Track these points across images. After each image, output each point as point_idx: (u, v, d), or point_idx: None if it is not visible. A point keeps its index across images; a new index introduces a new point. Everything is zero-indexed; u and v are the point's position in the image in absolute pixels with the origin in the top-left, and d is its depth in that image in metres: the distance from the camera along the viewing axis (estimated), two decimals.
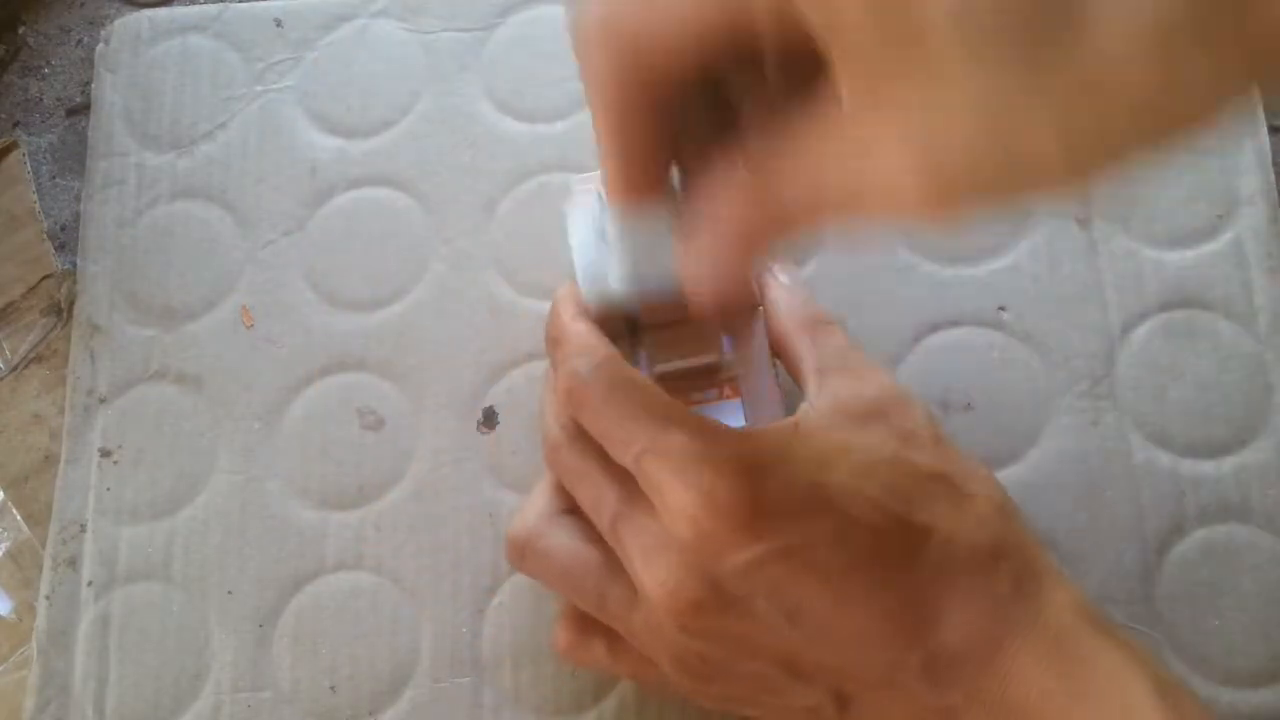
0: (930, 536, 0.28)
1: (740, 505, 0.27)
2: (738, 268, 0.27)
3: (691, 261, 0.27)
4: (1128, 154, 0.20)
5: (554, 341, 0.33)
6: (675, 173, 0.29)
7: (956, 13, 0.18)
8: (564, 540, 0.32)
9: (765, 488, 0.28)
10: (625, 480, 0.30)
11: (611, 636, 0.33)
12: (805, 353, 0.33)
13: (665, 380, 0.34)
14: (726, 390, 0.34)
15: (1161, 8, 0.18)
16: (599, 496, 0.31)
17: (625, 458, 0.29)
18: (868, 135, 0.21)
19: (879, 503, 0.28)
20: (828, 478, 0.28)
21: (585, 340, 0.32)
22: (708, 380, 0.34)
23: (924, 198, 0.21)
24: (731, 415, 0.34)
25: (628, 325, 0.35)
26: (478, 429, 0.39)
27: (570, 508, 0.33)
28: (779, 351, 0.34)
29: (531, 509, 0.33)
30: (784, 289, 0.34)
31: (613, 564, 0.31)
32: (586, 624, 0.33)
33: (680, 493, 0.28)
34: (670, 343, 0.34)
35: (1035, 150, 0.19)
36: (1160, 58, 0.18)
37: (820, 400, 0.31)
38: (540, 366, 0.40)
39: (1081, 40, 0.18)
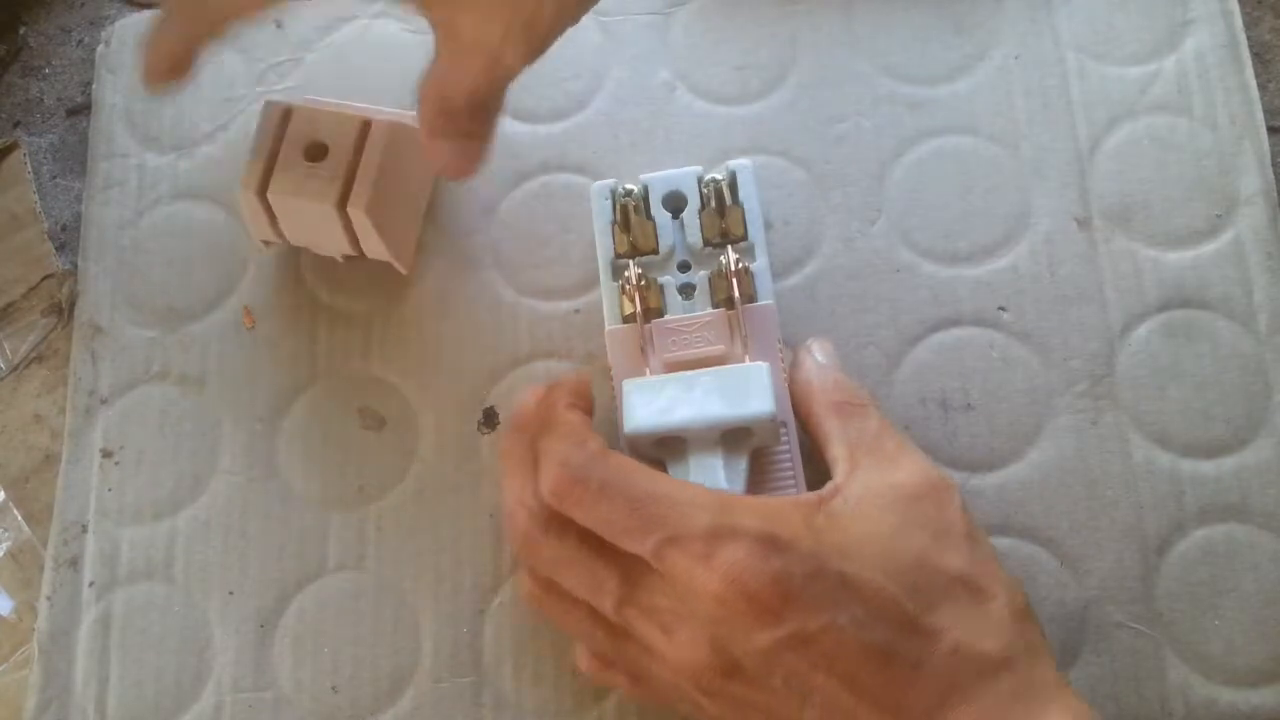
0: (941, 639, 0.28)
1: (768, 589, 0.28)
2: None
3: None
4: None
5: (543, 425, 0.32)
6: None
7: None
8: (574, 546, 0.31)
9: (792, 573, 0.28)
10: (621, 560, 0.30)
11: (632, 672, 0.33)
12: (835, 435, 0.32)
13: (675, 368, 0.34)
14: None
15: None
16: (596, 582, 0.31)
17: (640, 548, 0.29)
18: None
19: (898, 601, 0.28)
20: (853, 569, 0.28)
21: (576, 430, 0.31)
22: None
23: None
24: None
25: (642, 314, 0.35)
26: (478, 429, 0.39)
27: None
28: (810, 431, 0.34)
29: (529, 492, 0.32)
30: (816, 368, 0.34)
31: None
32: (608, 659, 0.33)
33: (708, 577, 0.28)
34: (681, 333, 0.35)
35: None
36: None
37: (850, 486, 0.31)
38: (541, 367, 0.40)
39: None
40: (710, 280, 0.36)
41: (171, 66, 0.33)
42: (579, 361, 0.40)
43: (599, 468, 0.30)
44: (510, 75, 0.32)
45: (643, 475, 0.30)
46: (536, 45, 0.31)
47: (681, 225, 0.37)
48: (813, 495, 0.31)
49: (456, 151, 0.34)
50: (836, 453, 0.32)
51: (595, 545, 0.31)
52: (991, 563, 0.31)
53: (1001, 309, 0.39)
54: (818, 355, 0.35)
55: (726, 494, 0.30)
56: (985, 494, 0.38)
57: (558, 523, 0.31)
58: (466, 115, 0.33)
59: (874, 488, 0.31)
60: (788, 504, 0.30)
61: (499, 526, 0.38)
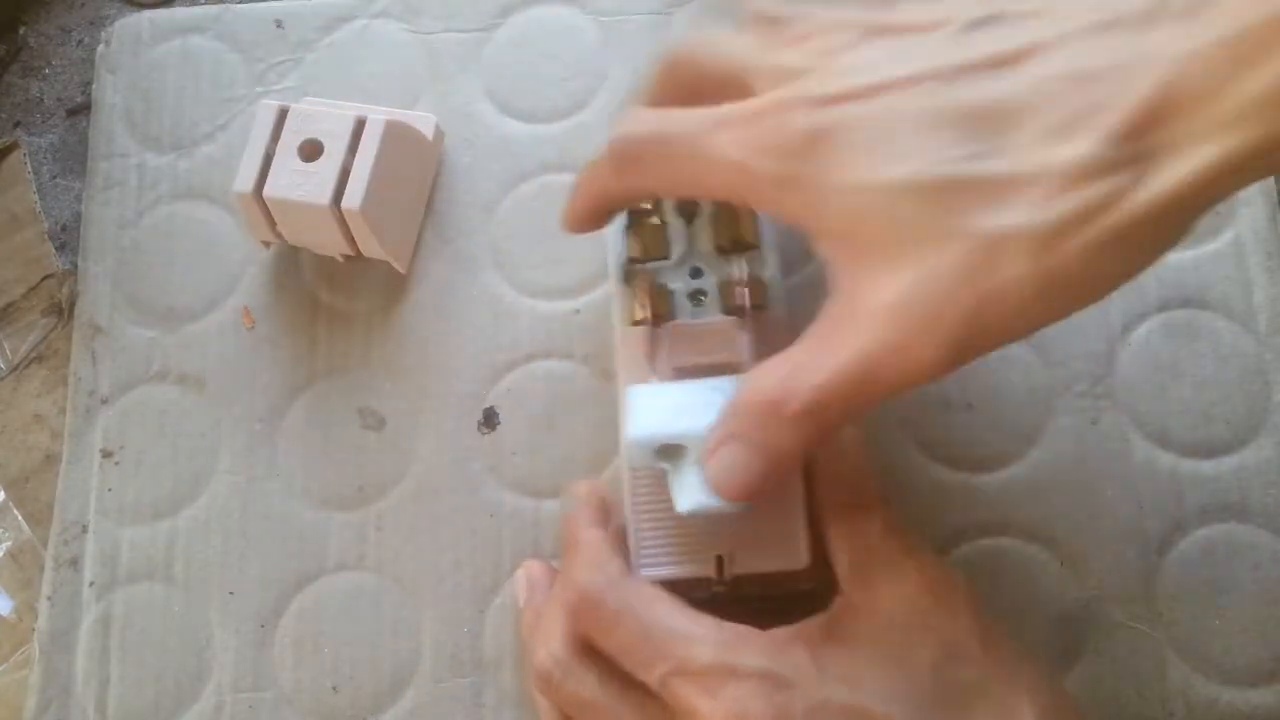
0: None
1: None
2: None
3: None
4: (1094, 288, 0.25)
5: (568, 547, 0.33)
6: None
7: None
8: (592, 688, 0.31)
9: (793, 710, 0.27)
10: (636, 704, 0.30)
11: None
12: (840, 540, 0.32)
13: (683, 375, 0.34)
14: None
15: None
16: None
17: (648, 677, 0.29)
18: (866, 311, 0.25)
19: None
20: (860, 698, 0.28)
21: (597, 552, 0.32)
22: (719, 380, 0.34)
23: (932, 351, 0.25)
24: None
25: (652, 319, 0.35)
26: (478, 429, 0.39)
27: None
28: (818, 529, 0.33)
29: (553, 637, 0.32)
30: (828, 459, 0.33)
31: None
32: None
33: (712, 709, 0.28)
34: (690, 339, 0.35)
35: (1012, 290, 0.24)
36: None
37: (855, 603, 0.30)
38: (541, 367, 0.40)
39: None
40: (721, 287, 0.36)
41: (594, 217, 0.33)
42: (579, 362, 0.40)
43: (615, 594, 0.30)
44: (903, 384, 0.26)
45: (656, 605, 0.30)
46: (968, 347, 0.25)
47: (694, 231, 0.37)
48: (820, 622, 0.30)
49: (739, 466, 0.28)
50: (841, 561, 0.31)
51: (613, 692, 0.31)
52: (1012, 664, 0.29)
53: None
54: (835, 443, 0.34)
55: (735, 630, 0.30)
56: (985, 494, 0.38)
57: (577, 668, 0.31)
58: (794, 419, 0.27)
59: (880, 603, 0.30)
60: (793, 637, 0.29)
61: (500, 526, 0.38)
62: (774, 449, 0.28)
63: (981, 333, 0.25)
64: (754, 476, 0.28)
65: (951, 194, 0.24)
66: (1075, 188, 0.24)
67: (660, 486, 0.33)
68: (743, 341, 0.35)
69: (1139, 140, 0.23)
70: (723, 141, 0.27)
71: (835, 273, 0.27)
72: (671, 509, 0.32)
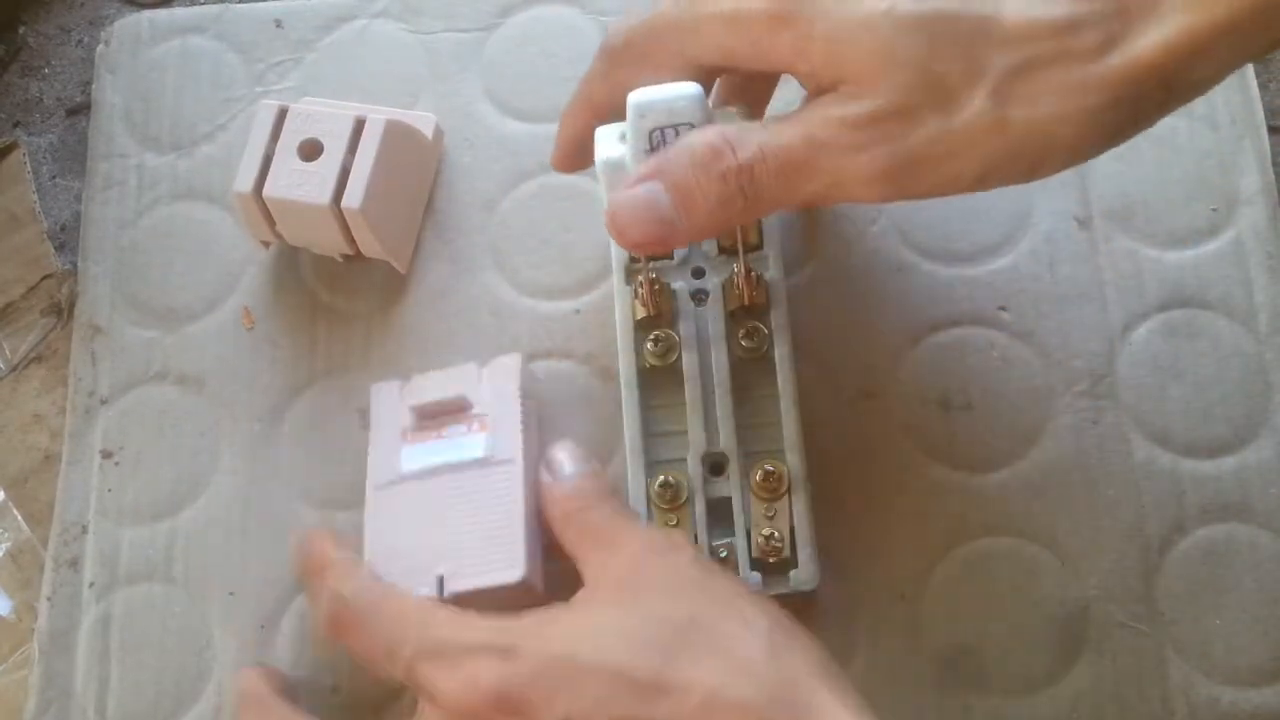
0: (690, 693, 0.28)
1: (498, 687, 0.28)
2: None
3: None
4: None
5: (315, 572, 0.34)
6: None
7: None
8: None
9: (519, 669, 0.29)
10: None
11: None
12: (569, 547, 0.33)
13: (421, 413, 0.36)
14: (476, 425, 0.35)
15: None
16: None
17: (396, 669, 0.30)
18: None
19: (632, 667, 0.28)
20: (578, 650, 0.29)
21: (347, 564, 0.33)
22: (459, 416, 0.36)
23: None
24: (473, 447, 0.35)
25: (654, 318, 0.35)
26: None
27: None
28: (558, 541, 0.34)
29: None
30: (546, 488, 0.34)
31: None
32: None
33: (449, 683, 0.29)
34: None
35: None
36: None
37: (592, 572, 0.32)
38: (541, 367, 0.40)
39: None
40: (723, 287, 0.36)
41: (581, 150, 0.34)
42: (579, 361, 0.40)
43: (363, 595, 0.32)
44: (837, 184, 0.28)
45: (401, 600, 0.32)
46: (910, 181, 0.28)
47: None
48: (561, 601, 0.31)
49: (651, 202, 0.29)
50: (577, 564, 0.32)
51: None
52: (736, 600, 0.30)
53: (1002, 309, 0.39)
54: (547, 473, 0.34)
55: (468, 614, 0.31)
56: (985, 494, 0.38)
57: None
58: (723, 175, 0.29)
59: (605, 573, 0.31)
60: (528, 611, 0.31)
61: None
62: (693, 197, 0.29)
63: (932, 167, 0.27)
64: (662, 219, 0.29)
65: (936, 29, 0.26)
66: (1053, 37, 0.25)
67: (396, 502, 0.35)
68: (475, 381, 0.36)
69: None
70: None
71: (810, 99, 0.28)
72: (403, 527, 0.34)
